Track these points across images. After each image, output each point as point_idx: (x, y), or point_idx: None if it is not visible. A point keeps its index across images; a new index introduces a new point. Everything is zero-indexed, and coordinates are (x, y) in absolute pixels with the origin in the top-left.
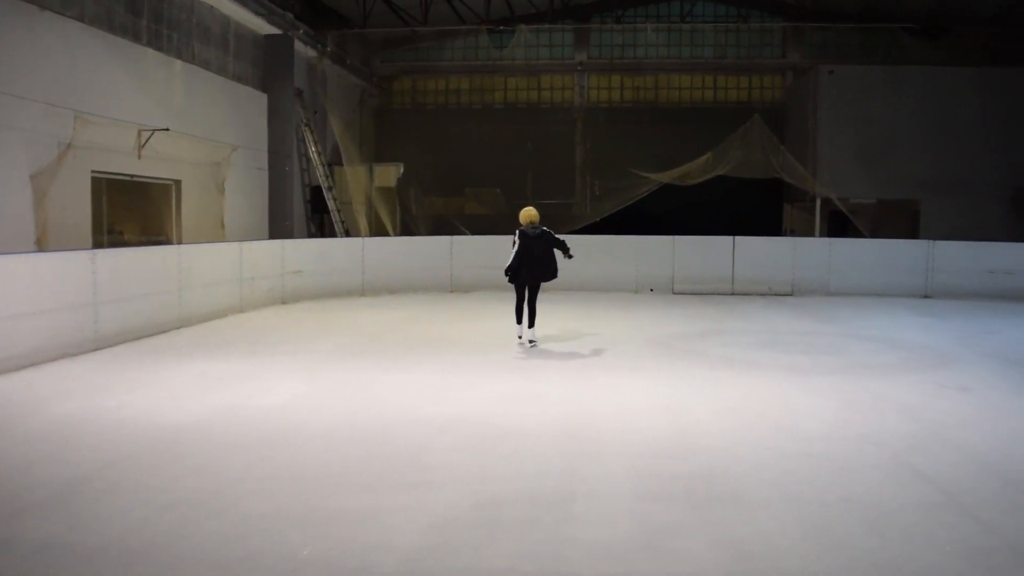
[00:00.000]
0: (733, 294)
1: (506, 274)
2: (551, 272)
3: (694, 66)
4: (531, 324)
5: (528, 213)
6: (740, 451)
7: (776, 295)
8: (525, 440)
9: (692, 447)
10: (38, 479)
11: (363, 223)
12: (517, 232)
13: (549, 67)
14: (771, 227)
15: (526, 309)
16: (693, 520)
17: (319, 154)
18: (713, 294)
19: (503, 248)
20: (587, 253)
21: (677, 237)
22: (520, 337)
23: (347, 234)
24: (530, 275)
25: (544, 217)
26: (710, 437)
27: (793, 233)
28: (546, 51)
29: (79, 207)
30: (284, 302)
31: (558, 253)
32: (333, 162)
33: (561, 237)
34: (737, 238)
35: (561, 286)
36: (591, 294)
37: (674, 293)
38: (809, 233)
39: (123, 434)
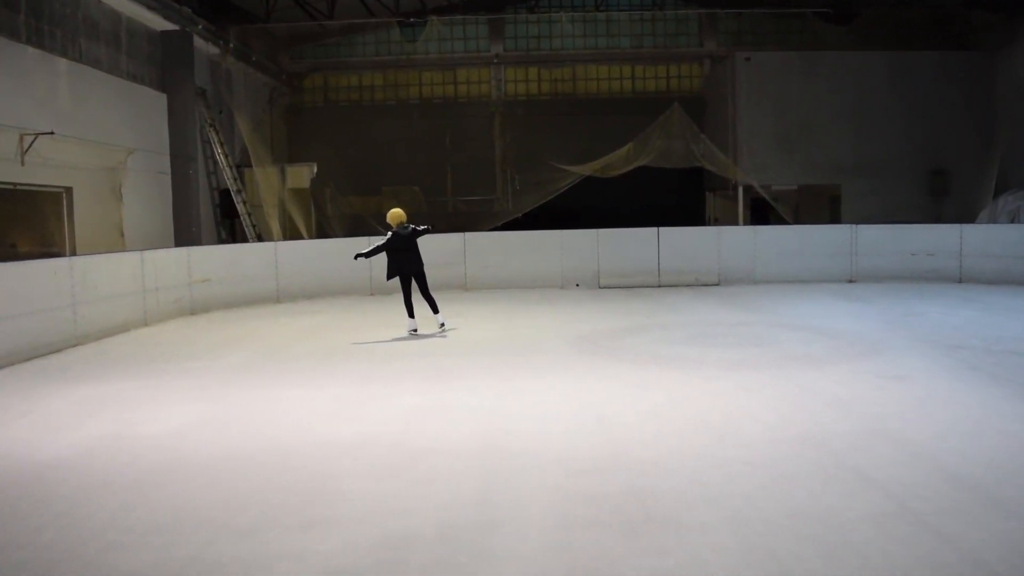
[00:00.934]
0: (660, 286)
1: (361, 255)
2: (420, 262)
3: (611, 56)
4: (435, 310)
5: (398, 214)
6: (673, 462)
7: (703, 285)
8: (437, 460)
9: (622, 460)
10: None
11: (276, 227)
12: (390, 232)
13: (464, 60)
14: (694, 217)
15: (420, 299)
16: (625, 549)
17: (226, 156)
18: (640, 287)
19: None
20: (510, 250)
21: (601, 230)
22: (415, 331)
23: (259, 238)
24: (410, 268)
25: (465, 214)
26: (641, 447)
27: (717, 222)
28: (460, 44)
29: None
30: (193, 313)
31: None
32: (242, 164)
33: (419, 227)
34: (661, 229)
35: (484, 284)
36: (516, 292)
37: (600, 287)
38: (733, 221)
39: None
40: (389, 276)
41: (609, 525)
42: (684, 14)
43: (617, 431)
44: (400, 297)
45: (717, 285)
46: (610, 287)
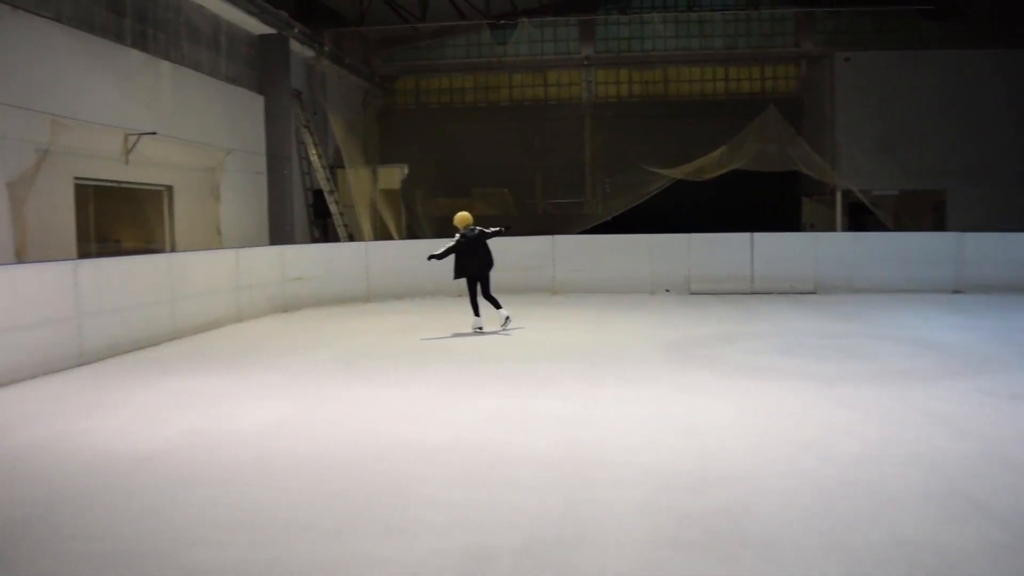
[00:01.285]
0: (753, 293)
1: (435, 258)
2: (490, 263)
3: (704, 58)
4: (498, 306)
5: (464, 217)
6: (769, 481)
7: (798, 293)
8: (521, 470)
9: (714, 476)
10: None
11: (367, 227)
12: (458, 235)
13: (554, 62)
14: (789, 222)
15: (483, 301)
16: (719, 574)
17: (320, 157)
18: (732, 293)
19: (512, 250)
20: (599, 253)
21: (693, 235)
22: (480, 328)
23: (351, 238)
24: (477, 270)
25: (554, 217)
26: (734, 463)
27: (813, 228)
28: (551, 46)
29: (62, 215)
30: (285, 310)
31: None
32: (335, 165)
33: (489, 230)
34: (755, 234)
35: (573, 287)
36: (604, 296)
37: (691, 293)
38: (829, 227)
39: (80, 466)
40: (456, 276)
41: (701, 547)
42: (780, 13)
43: (708, 445)
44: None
45: (813, 293)
46: (701, 293)
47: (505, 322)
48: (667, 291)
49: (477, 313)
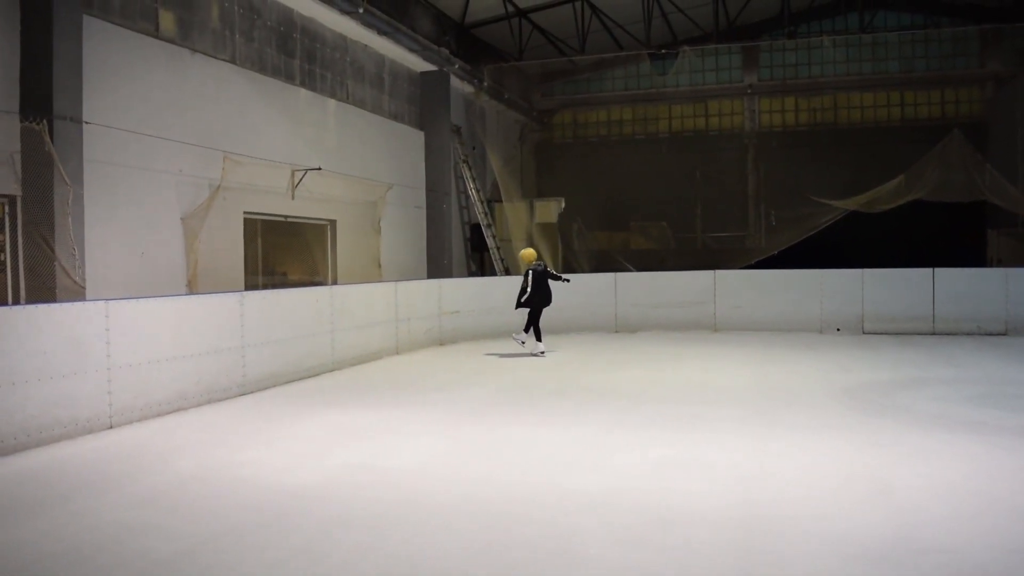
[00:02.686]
0: (934, 333)
1: (521, 305)
2: (550, 298)
3: (878, 82)
4: (539, 338)
5: (530, 254)
6: (981, 555)
7: (987, 335)
8: (690, 529)
9: (913, 547)
10: (129, 555)
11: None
12: (529, 271)
13: (716, 92)
14: (974, 257)
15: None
16: None
17: (478, 191)
18: (911, 334)
19: (672, 285)
20: (764, 289)
21: (866, 270)
22: (543, 353)
23: (507, 272)
24: (544, 301)
25: (714, 251)
26: (934, 531)
27: (1000, 263)
28: (712, 75)
29: (232, 248)
30: (442, 343)
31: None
32: (492, 199)
33: (554, 272)
34: (937, 270)
35: (735, 325)
36: (769, 334)
37: (864, 333)
38: (1019, 262)
39: (236, 500)
40: (523, 304)
41: None
42: (963, 31)
43: (903, 509)
44: (647, 337)
45: (1004, 335)
46: (876, 333)
47: (529, 347)
48: (838, 330)
49: (539, 339)
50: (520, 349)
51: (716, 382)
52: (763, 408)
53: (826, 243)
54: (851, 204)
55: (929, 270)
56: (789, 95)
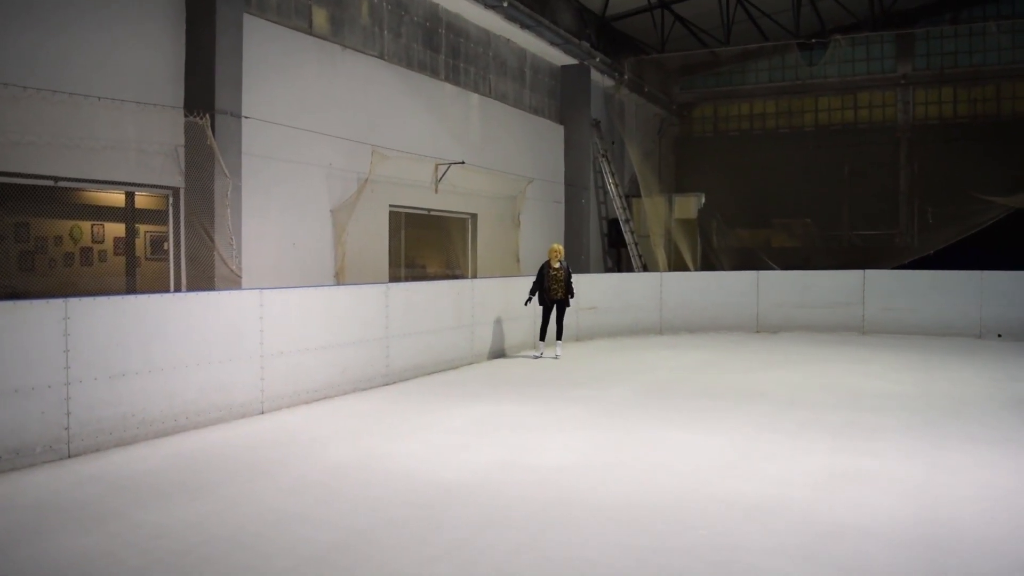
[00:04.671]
0: None
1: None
2: (568, 297)
3: None
4: (560, 336)
5: (555, 250)
6: None
7: None
8: (864, 543)
9: None
10: (284, 543)
11: (661, 257)
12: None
13: (866, 83)
14: None
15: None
16: None
17: (616, 186)
18: None
19: (817, 285)
20: (917, 291)
21: None
22: (540, 355)
23: (644, 268)
24: (556, 298)
25: (863, 250)
26: None
27: None
28: (863, 65)
29: (377, 241)
30: (579, 339)
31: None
32: (630, 194)
33: (572, 276)
34: None
35: (886, 328)
36: (922, 339)
37: None
38: None
39: (386, 492)
40: (531, 300)
41: None
42: None
43: None
44: (790, 338)
45: None
46: None
47: (555, 356)
48: (999, 336)
49: (542, 338)
50: (649, 351)
51: (871, 388)
52: (929, 418)
53: (986, 243)
54: (1017, 202)
55: None
56: (947, 85)
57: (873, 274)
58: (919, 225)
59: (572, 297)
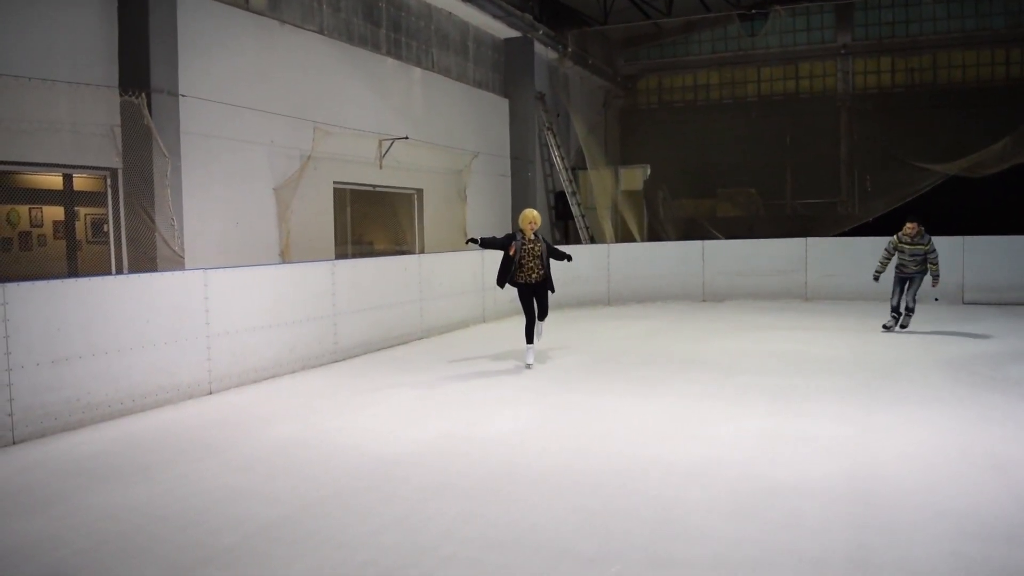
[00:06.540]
0: None
1: (479, 241)
2: (548, 281)
3: (981, 40)
4: (529, 340)
5: (527, 216)
6: None
7: None
8: (797, 501)
9: None
10: (232, 519)
11: (608, 228)
12: (518, 234)
13: (807, 53)
14: None
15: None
16: None
17: (562, 158)
18: (1015, 304)
19: (761, 253)
20: (858, 257)
21: (967, 237)
22: (530, 365)
23: (591, 240)
24: (533, 282)
25: (806, 219)
26: None
27: None
28: (803, 36)
29: (323, 218)
30: None
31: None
32: (577, 166)
33: (558, 247)
34: None
35: (827, 294)
36: (864, 304)
37: (964, 303)
38: None
39: (333, 466)
40: (500, 282)
41: None
42: None
43: (1022, 485)
44: (735, 306)
45: None
46: (976, 303)
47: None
48: (936, 300)
49: (530, 340)
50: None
51: (811, 353)
52: (864, 380)
53: (925, 209)
54: (952, 168)
55: None
56: (885, 55)
57: (815, 241)
58: (860, 193)
59: (569, 261)
